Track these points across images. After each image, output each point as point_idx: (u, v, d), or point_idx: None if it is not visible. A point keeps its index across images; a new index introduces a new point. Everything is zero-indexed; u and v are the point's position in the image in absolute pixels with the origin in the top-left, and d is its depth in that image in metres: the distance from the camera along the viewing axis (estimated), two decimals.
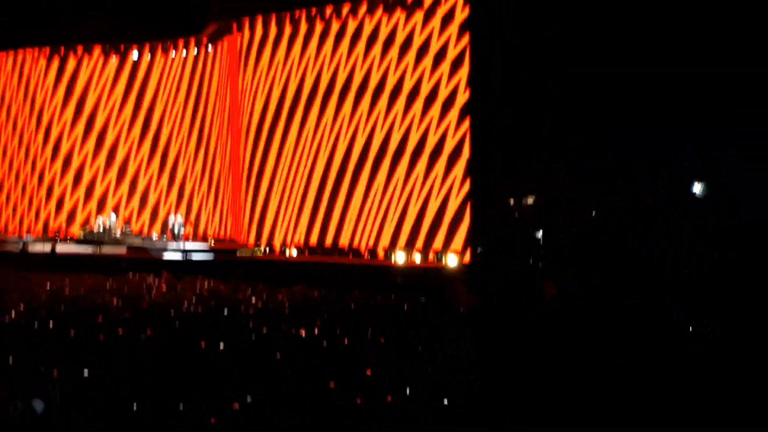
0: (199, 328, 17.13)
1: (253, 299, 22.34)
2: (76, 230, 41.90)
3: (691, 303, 16.83)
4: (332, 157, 33.72)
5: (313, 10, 35.15)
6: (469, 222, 30.22)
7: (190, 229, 39.99)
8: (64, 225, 42.63)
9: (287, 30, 35.52)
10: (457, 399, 11.19)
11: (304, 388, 12.15)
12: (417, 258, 31.32)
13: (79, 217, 42.03)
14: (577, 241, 26.96)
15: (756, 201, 24.93)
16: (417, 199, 31.53)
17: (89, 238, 38.71)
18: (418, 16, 32.14)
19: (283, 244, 34.65)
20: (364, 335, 16.27)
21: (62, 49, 42.84)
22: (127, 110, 42.18)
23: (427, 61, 31.73)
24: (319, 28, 34.58)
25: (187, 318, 18.79)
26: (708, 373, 11.71)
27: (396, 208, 32.02)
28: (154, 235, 39.89)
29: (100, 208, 41.84)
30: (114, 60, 42.46)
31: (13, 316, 18.46)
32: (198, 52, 41.00)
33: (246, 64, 36.82)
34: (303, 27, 34.96)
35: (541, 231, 28.62)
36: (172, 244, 35.96)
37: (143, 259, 33.68)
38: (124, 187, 42.02)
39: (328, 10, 34.73)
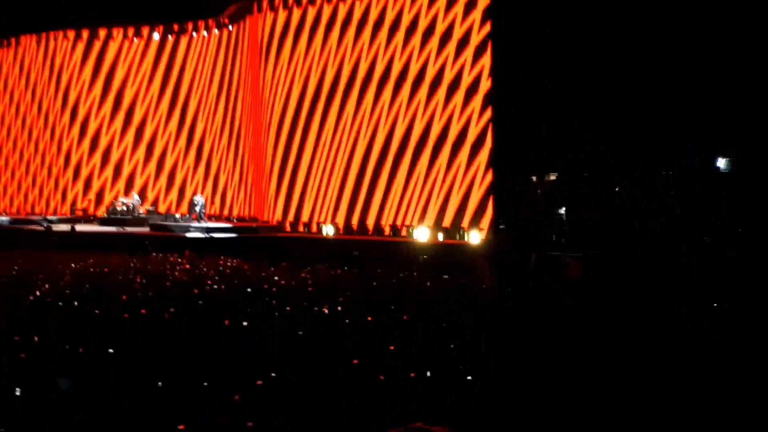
0: (222, 306, 17.21)
1: (276, 277, 22.41)
2: (101, 210, 42.17)
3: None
4: (355, 146, 33.71)
5: None
6: (491, 200, 30.16)
7: (214, 208, 40.16)
8: (91, 205, 42.88)
9: (309, 13, 35.38)
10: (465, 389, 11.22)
11: (327, 367, 12.19)
12: (440, 236, 31.29)
13: (107, 197, 42.23)
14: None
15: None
16: (441, 186, 31.52)
17: (113, 218, 38.93)
18: (441, 2, 31.97)
19: (318, 223, 34.70)
20: (385, 313, 16.29)
21: (85, 31, 42.95)
22: (153, 90, 42.27)
23: (450, 47, 31.58)
24: (342, 10, 34.42)
25: (210, 296, 18.88)
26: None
27: (420, 192, 32.02)
28: (177, 215, 40.07)
29: (128, 187, 42.01)
30: (136, 41, 42.54)
31: (37, 294, 18.60)
32: (219, 33, 41.01)
33: (269, 48, 36.76)
34: (325, 10, 34.80)
35: (564, 208, 28.55)
36: (195, 223, 36.12)
37: (166, 238, 33.84)
38: (152, 166, 42.15)
39: None
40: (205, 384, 10.98)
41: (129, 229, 36.76)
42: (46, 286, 19.90)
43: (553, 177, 29.85)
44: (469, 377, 11.41)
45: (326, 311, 16.50)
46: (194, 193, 40.22)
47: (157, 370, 11.80)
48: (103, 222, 39.23)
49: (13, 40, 45.38)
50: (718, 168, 25.91)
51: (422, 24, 32.53)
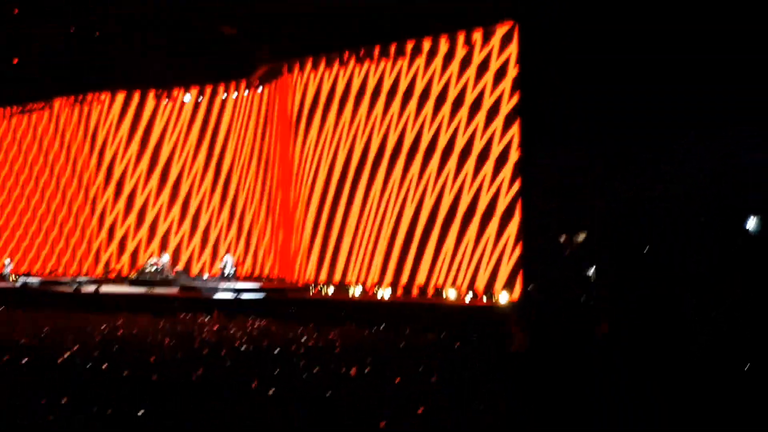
0: (250, 367, 17.16)
1: (304, 338, 22.36)
2: (131, 271, 42.33)
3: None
4: (390, 211, 33.87)
5: (362, 51, 35.42)
6: (519, 260, 30.06)
7: (242, 269, 40.23)
8: (125, 266, 43.00)
9: (340, 79, 35.76)
10: None
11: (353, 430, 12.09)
12: (468, 297, 31.17)
13: (141, 257, 42.34)
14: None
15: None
16: (472, 250, 31.55)
17: (141, 279, 39.08)
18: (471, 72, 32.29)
19: (347, 284, 34.66)
20: (414, 374, 16.18)
21: (121, 93, 43.56)
22: (189, 148, 42.59)
23: (480, 117, 31.84)
24: (372, 80, 34.79)
25: (239, 357, 18.85)
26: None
27: (452, 256, 32.04)
28: (205, 276, 40.17)
29: (163, 247, 42.14)
30: (170, 102, 43.03)
31: (65, 356, 18.64)
32: (251, 93, 41.43)
33: (300, 116, 37.06)
34: (356, 78, 35.15)
35: (593, 268, 28.33)
36: (224, 284, 36.18)
37: (195, 299, 33.90)
38: (186, 225, 42.34)
39: (376, 51, 34.99)
40: None
41: (158, 290, 36.89)
42: (75, 347, 19.95)
43: (582, 237, 29.71)
44: None
45: (353, 373, 16.41)
46: (220, 254, 40.35)
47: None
48: (132, 283, 39.40)
49: (48, 103, 46.10)
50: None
51: (452, 93, 32.78)
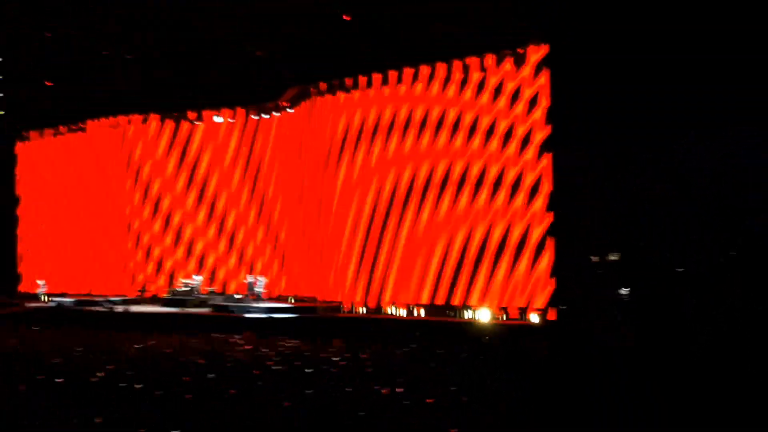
0: (283, 386, 17.20)
1: (335, 358, 22.37)
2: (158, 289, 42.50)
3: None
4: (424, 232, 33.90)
5: (391, 74, 35.45)
6: (552, 280, 29.95)
7: (276, 288, 40.27)
8: (160, 286, 43.10)
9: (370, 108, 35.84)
10: None
11: None
12: (502, 317, 31.08)
13: (178, 277, 42.41)
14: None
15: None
16: (503, 268, 31.50)
17: (174, 299, 39.27)
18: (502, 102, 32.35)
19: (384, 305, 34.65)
20: (446, 393, 16.14)
21: (155, 117, 43.93)
22: (225, 168, 42.74)
23: (512, 146, 31.85)
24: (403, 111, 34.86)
25: (270, 377, 18.89)
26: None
27: (485, 275, 32.00)
28: (237, 295, 40.29)
29: (200, 267, 42.27)
30: (203, 123, 43.27)
31: (99, 375, 18.77)
32: (281, 115, 41.61)
33: (333, 139, 37.15)
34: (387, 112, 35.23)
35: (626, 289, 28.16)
36: (255, 304, 36.28)
37: (227, 319, 34.02)
38: (222, 244, 42.46)
39: (407, 73, 35.04)
40: None
41: (190, 309, 37.06)
42: (108, 367, 20.09)
43: (614, 257, 29.56)
44: None
45: (386, 392, 16.40)
46: (255, 273, 40.42)
47: None
48: (165, 303, 39.59)
49: (84, 124, 46.46)
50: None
51: (484, 123, 32.77)
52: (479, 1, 31.05)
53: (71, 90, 43.01)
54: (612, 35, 25.95)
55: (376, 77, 35.90)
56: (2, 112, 46.34)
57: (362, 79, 36.27)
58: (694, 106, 24.66)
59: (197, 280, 40.11)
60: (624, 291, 28.16)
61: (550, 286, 29.93)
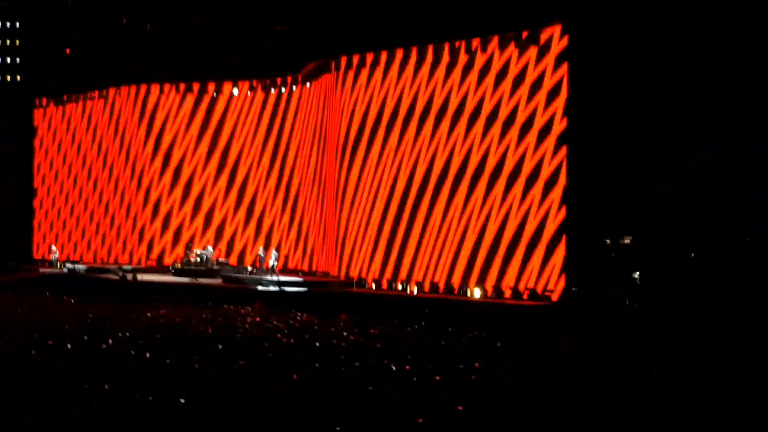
0: (292, 359, 17.24)
1: (345, 333, 22.41)
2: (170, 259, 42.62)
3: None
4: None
5: (413, 50, 35.24)
6: (562, 260, 29.87)
7: (295, 260, 40.30)
8: (179, 255, 43.14)
9: (389, 89, 35.62)
10: None
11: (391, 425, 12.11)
12: (511, 295, 31.05)
13: (196, 247, 42.43)
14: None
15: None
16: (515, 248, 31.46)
17: (186, 269, 39.36)
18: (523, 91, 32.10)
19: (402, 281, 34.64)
20: (454, 372, 16.16)
21: (170, 86, 43.89)
22: (246, 137, 42.68)
23: (531, 138, 31.68)
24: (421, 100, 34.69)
25: (280, 350, 18.94)
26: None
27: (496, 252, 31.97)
28: (249, 267, 40.32)
29: (218, 237, 42.31)
30: (222, 94, 43.20)
31: (110, 343, 18.86)
32: (300, 89, 41.51)
33: (342, 95, 37.06)
34: (405, 96, 35.05)
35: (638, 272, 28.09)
36: (268, 276, 36.33)
37: (238, 290, 34.10)
38: (240, 214, 42.47)
39: (430, 50, 34.82)
40: None
41: (202, 280, 37.14)
42: (119, 334, 20.18)
43: (627, 240, 29.46)
44: None
45: (394, 368, 16.43)
46: (271, 246, 40.44)
47: (225, 422, 11.83)
48: (177, 273, 39.68)
49: (105, 92, 46.45)
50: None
51: (503, 112, 32.60)
52: None
53: (90, 57, 43.02)
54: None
55: (398, 53, 35.64)
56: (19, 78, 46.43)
57: (383, 54, 36.00)
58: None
59: (209, 251, 40.18)
60: (635, 275, 28.11)
61: (563, 270, 29.87)
